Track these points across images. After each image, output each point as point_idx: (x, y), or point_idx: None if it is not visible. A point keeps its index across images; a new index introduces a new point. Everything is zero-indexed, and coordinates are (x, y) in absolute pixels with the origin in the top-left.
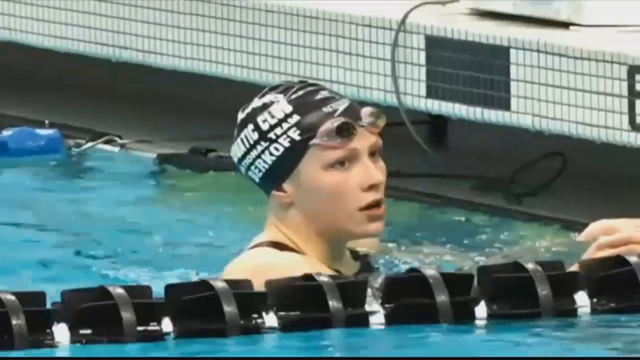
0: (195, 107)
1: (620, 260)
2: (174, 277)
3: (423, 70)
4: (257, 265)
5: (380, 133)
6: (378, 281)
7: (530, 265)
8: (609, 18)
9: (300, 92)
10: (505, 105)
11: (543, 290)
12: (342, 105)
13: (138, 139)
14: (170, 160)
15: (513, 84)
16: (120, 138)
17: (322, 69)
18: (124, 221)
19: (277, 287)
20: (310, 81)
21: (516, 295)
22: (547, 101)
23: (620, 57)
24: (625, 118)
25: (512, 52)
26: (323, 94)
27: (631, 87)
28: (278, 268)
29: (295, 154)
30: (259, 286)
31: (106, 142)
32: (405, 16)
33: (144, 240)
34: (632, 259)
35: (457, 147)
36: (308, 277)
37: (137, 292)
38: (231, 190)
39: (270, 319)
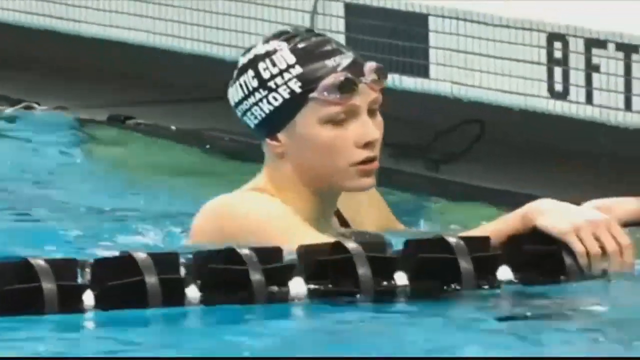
0: (111, 74)
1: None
2: (96, 247)
3: (342, 37)
4: (223, 205)
5: (382, 90)
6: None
7: (452, 239)
8: None
9: (305, 43)
10: (424, 72)
11: (466, 265)
12: (346, 60)
13: (56, 105)
14: (88, 126)
15: (432, 52)
16: (39, 104)
17: (241, 37)
18: (43, 185)
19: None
20: (317, 31)
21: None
22: (466, 68)
23: (539, 25)
24: (544, 85)
25: (431, 19)
26: (328, 46)
27: (550, 54)
28: (248, 213)
29: (293, 105)
30: (217, 228)
31: (25, 109)
32: None
33: (66, 208)
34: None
35: None
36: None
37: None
38: (150, 157)
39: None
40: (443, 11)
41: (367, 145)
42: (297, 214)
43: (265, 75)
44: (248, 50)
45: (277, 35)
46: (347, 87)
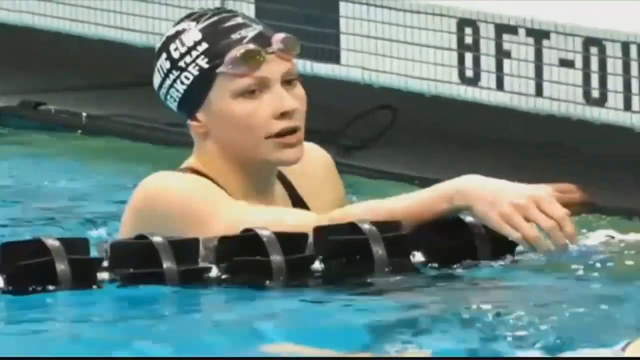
0: (21, 60)
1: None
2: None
3: None
4: (154, 187)
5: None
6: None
7: (366, 226)
8: None
9: (212, 19)
10: (335, 58)
11: (378, 251)
12: (252, 32)
13: None
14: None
15: (343, 37)
16: None
17: (151, 22)
18: None
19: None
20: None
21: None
22: (377, 54)
23: (449, 10)
24: (455, 71)
25: (342, 4)
26: (235, 21)
27: (460, 40)
28: (171, 191)
29: (204, 82)
30: (151, 210)
31: None
32: None
33: None
34: (468, 219)
35: None
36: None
37: None
38: (62, 144)
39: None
40: None
41: (284, 115)
42: (228, 191)
43: (176, 55)
44: (164, 35)
45: (187, 16)
46: (251, 58)
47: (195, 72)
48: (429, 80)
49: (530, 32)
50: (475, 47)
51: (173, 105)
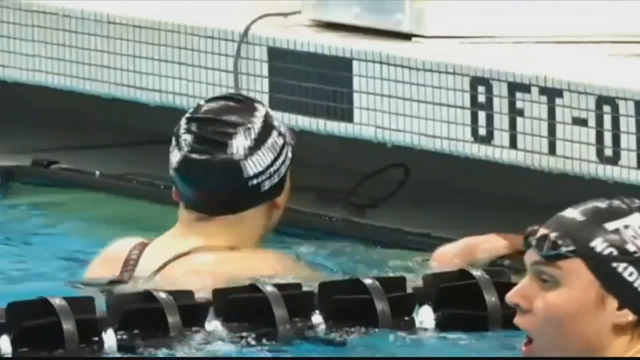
0: (32, 118)
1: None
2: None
3: (266, 81)
4: None
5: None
6: None
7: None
8: (450, 30)
9: None
10: (348, 117)
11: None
12: None
13: None
14: (12, 173)
15: (356, 96)
16: None
17: (164, 81)
18: None
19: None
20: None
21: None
22: (390, 113)
23: (462, 69)
24: (468, 129)
25: (355, 63)
26: None
27: (473, 98)
28: None
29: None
30: None
31: None
32: (247, 28)
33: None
34: (476, 272)
35: (301, 159)
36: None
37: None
38: (74, 203)
39: None
40: (366, 55)
41: None
42: None
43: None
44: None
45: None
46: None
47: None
48: (442, 138)
49: (543, 90)
50: (488, 105)
51: (268, 183)
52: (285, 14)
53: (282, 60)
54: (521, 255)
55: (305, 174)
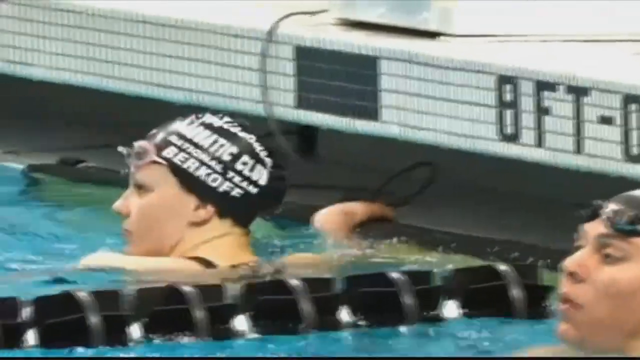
0: (59, 117)
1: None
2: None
3: (293, 80)
4: None
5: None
6: None
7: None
8: (477, 28)
9: None
10: (374, 115)
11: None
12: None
13: (5, 149)
14: (40, 170)
15: (381, 94)
16: None
17: (191, 80)
18: None
19: None
20: None
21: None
22: (416, 111)
23: (488, 67)
24: (494, 128)
25: (381, 62)
26: None
27: (500, 97)
28: None
29: None
30: None
31: None
32: (274, 27)
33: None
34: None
35: (327, 158)
36: None
37: None
38: (101, 201)
39: None
40: (393, 53)
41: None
42: None
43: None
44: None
45: None
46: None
47: None
48: (467, 137)
49: (569, 88)
50: (514, 104)
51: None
52: (312, 13)
53: (308, 58)
54: (373, 221)
55: (333, 173)
